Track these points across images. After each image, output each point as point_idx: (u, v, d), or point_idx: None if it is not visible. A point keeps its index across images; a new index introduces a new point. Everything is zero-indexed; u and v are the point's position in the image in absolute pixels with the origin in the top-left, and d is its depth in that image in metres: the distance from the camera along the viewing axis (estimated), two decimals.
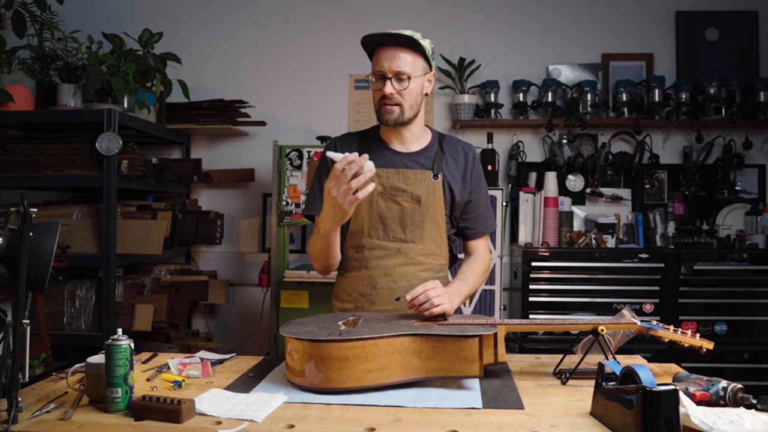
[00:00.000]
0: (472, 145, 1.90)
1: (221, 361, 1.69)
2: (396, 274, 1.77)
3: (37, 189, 3.12)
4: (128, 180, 2.85)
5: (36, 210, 1.26)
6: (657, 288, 3.08)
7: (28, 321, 1.23)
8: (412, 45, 1.69)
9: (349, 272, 1.83)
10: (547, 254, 3.14)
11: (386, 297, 1.77)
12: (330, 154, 1.55)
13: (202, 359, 1.64)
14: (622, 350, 1.65)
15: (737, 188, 3.38)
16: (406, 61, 1.69)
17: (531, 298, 3.10)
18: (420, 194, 1.76)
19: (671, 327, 1.50)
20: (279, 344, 3.17)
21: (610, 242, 3.29)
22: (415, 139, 1.82)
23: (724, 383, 1.25)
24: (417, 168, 1.79)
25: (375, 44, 1.72)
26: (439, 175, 1.78)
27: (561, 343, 3.00)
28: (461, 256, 1.92)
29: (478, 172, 1.87)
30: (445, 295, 1.58)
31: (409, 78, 1.69)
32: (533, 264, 3.11)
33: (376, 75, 1.72)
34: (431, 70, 1.77)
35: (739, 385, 1.24)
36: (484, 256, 1.88)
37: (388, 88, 1.69)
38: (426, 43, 1.72)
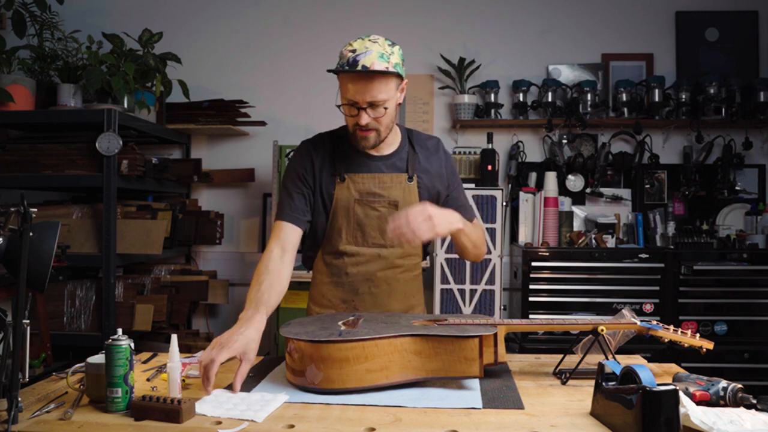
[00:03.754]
0: (438, 138, 1.85)
1: None
2: (377, 279, 1.77)
3: (37, 189, 3.12)
4: (128, 180, 2.85)
5: (36, 210, 1.26)
6: (657, 288, 3.08)
7: (28, 321, 1.23)
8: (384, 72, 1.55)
9: (329, 278, 1.82)
10: (547, 254, 3.14)
11: (368, 302, 1.78)
12: None
13: None
14: (622, 350, 1.65)
15: (737, 188, 3.38)
16: (379, 90, 1.55)
17: (531, 298, 3.10)
18: (397, 199, 1.72)
19: (671, 327, 1.49)
20: (279, 344, 3.16)
21: (610, 242, 3.29)
22: (386, 143, 1.74)
23: (724, 383, 1.25)
24: (391, 171, 1.73)
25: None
26: (413, 177, 1.74)
27: (561, 343, 3.00)
28: (441, 249, 1.89)
29: (452, 165, 1.83)
30: (437, 216, 1.50)
31: (384, 105, 1.58)
32: (533, 264, 3.11)
33: (347, 102, 1.59)
34: (403, 80, 1.63)
35: (739, 385, 1.24)
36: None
37: (364, 119, 1.58)
38: (396, 58, 1.57)
